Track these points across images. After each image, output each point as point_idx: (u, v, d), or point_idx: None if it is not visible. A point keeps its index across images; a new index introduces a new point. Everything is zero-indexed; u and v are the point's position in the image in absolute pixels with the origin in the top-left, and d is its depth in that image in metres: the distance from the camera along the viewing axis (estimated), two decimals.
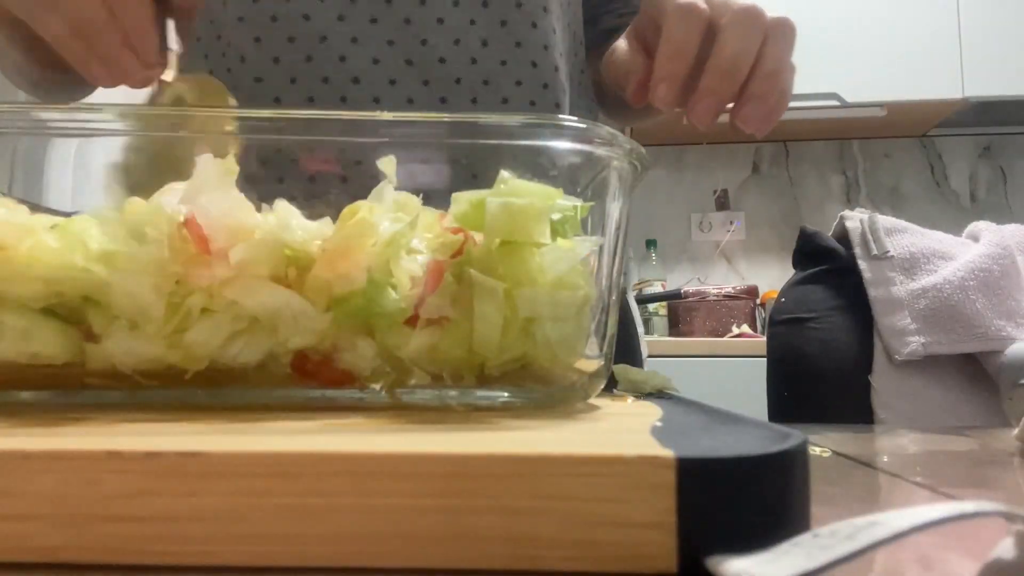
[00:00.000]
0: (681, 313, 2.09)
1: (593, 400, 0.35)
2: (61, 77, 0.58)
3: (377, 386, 0.30)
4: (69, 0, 0.44)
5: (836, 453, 0.38)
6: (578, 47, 0.70)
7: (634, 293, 2.25)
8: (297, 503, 0.18)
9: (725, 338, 1.98)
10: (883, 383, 0.80)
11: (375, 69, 0.60)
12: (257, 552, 0.18)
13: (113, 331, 0.28)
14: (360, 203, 0.30)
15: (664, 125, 2.26)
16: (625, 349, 0.74)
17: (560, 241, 0.30)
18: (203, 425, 0.24)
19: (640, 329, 0.82)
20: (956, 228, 0.92)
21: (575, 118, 0.30)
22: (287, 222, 0.29)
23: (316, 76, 0.60)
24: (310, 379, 0.30)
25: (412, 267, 0.29)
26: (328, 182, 0.32)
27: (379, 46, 0.60)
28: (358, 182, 0.31)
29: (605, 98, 0.74)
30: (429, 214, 0.31)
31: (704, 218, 2.48)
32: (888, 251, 0.82)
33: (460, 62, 0.61)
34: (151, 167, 0.31)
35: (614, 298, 0.33)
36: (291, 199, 0.31)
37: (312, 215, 0.30)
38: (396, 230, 0.29)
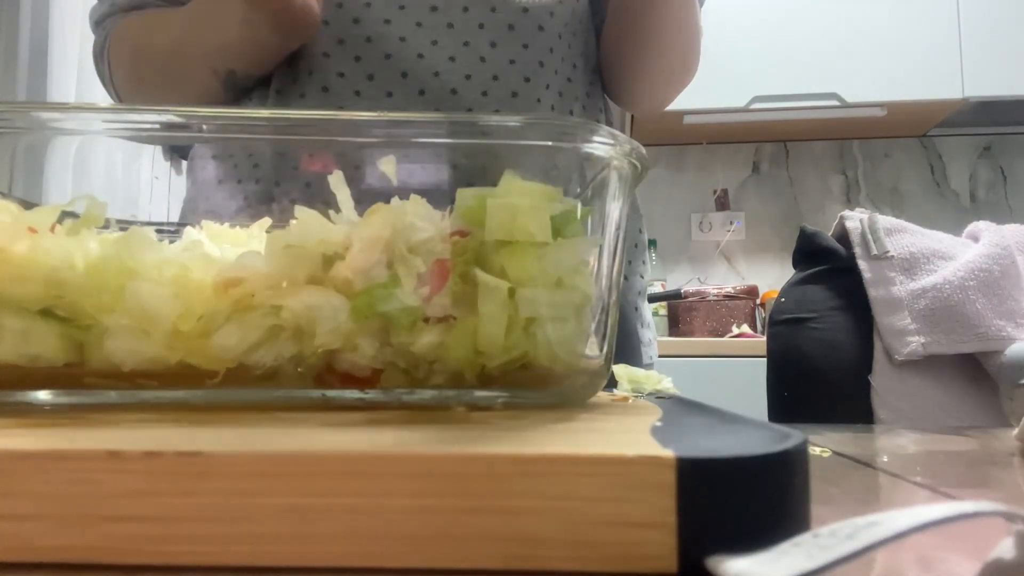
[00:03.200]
0: (681, 313, 2.10)
1: (593, 400, 0.35)
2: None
3: (389, 388, 0.30)
4: None
5: (836, 453, 0.38)
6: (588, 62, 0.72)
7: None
8: (297, 503, 0.18)
9: (725, 338, 1.98)
10: (883, 383, 0.80)
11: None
12: (257, 552, 0.18)
13: (115, 331, 0.28)
14: (381, 204, 0.30)
15: (664, 125, 2.27)
16: (626, 350, 0.74)
17: (560, 241, 0.30)
18: (203, 425, 0.24)
19: (652, 332, 0.82)
20: (956, 228, 0.92)
21: (575, 118, 0.30)
22: (315, 224, 0.30)
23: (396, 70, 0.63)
24: (343, 383, 0.30)
25: (417, 265, 0.29)
26: (326, 182, 0.32)
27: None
28: (358, 182, 0.31)
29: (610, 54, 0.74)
30: (432, 213, 0.31)
31: (704, 218, 2.48)
32: (888, 251, 0.82)
33: (457, 79, 0.63)
34: None
35: (614, 298, 0.33)
36: (290, 200, 0.31)
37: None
38: (425, 236, 0.29)
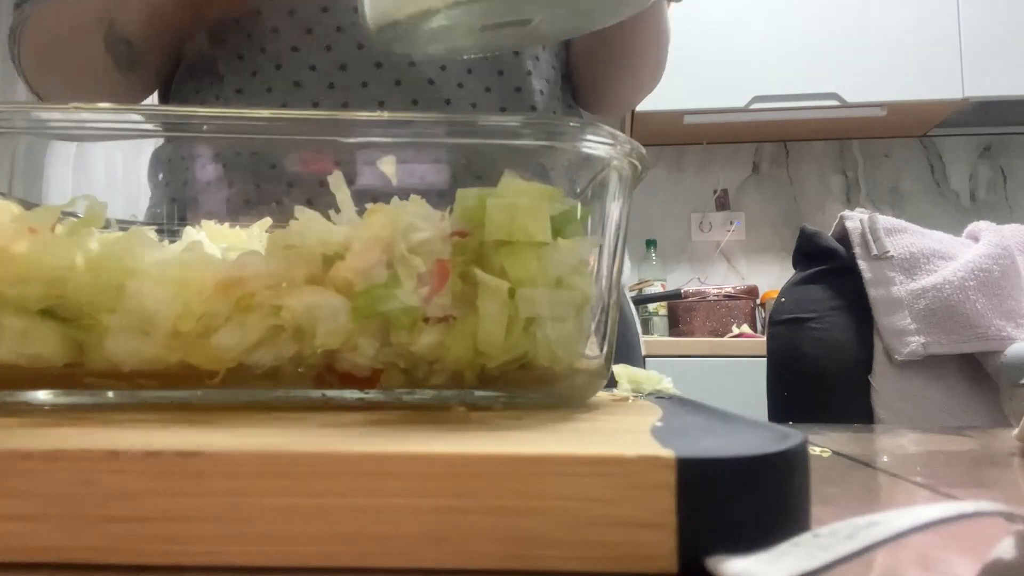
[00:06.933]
0: (681, 313, 2.10)
1: (593, 400, 0.35)
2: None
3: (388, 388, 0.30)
4: None
5: (836, 453, 0.38)
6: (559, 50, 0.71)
7: (632, 294, 2.25)
8: (297, 503, 0.18)
9: (725, 338, 1.98)
10: (883, 383, 0.80)
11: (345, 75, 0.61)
12: (257, 552, 0.18)
13: (115, 331, 0.28)
14: (381, 204, 0.30)
15: (664, 125, 2.26)
16: (625, 348, 0.74)
17: (560, 241, 0.30)
18: (203, 425, 0.24)
19: (638, 328, 0.82)
20: (956, 228, 0.92)
21: (575, 118, 0.30)
22: (315, 224, 0.30)
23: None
24: (343, 383, 0.30)
25: (417, 265, 0.29)
26: (324, 182, 0.32)
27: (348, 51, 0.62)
28: (357, 183, 0.31)
29: (581, 77, 0.74)
30: (432, 214, 0.31)
31: (704, 218, 2.48)
32: (888, 251, 0.82)
33: (432, 68, 0.62)
34: None
35: (614, 298, 0.33)
36: (290, 200, 0.31)
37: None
38: (425, 236, 0.29)
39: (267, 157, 0.33)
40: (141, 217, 0.35)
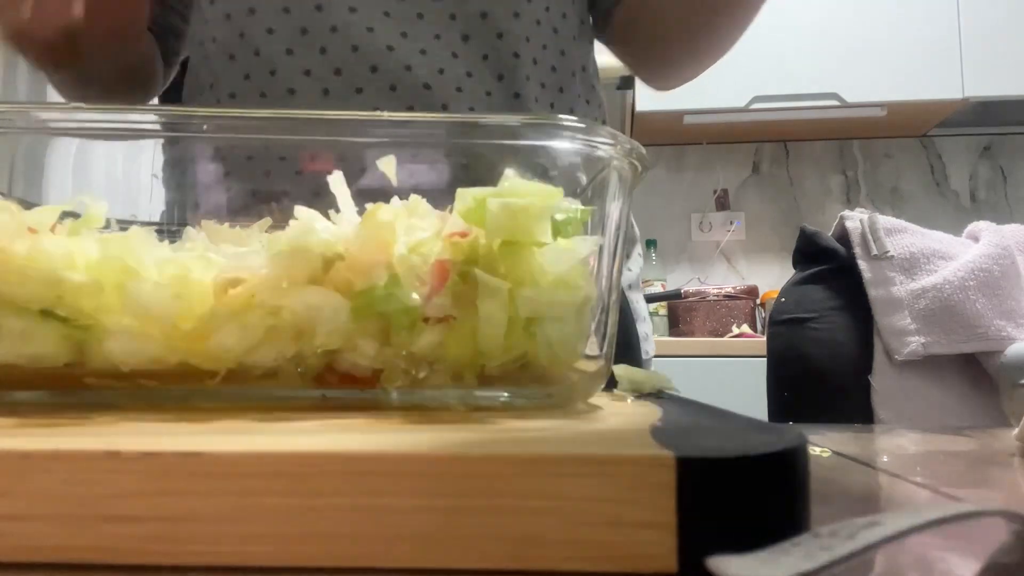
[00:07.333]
0: (681, 313, 2.10)
1: (593, 400, 0.35)
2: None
3: (389, 387, 0.30)
4: None
5: (836, 453, 0.38)
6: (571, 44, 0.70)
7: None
8: (297, 503, 0.18)
9: (725, 338, 1.98)
10: (883, 383, 0.80)
11: (339, 80, 0.60)
12: (257, 552, 0.18)
13: (115, 331, 0.28)
14: (381, 204, 0.30)
15: (664, 125, 2.27)
16: (625, 349, 0.74)
17: (560, 241, 0.30)
18: (203, 425, 0.24)
19: (648, 327, 0.81)
20: (956, 228, 0.92)
21: (575, 118, 0.30)
22: (315, 224, 0.30)
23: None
24: (343, 383, 0.30)
25: (417, 265, 0.29)
26: (324, 182, 0.32)
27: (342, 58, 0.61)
28: (357, 183, 0.31)
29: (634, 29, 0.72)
30: (432, 214, 0.31)
31: (704, 218, 2.48)
32: (888, 251, 0.82)
33: (429, 72, 0.61)
34: None
35: (614, 298, 0.33)
36: (290, 200, 0.31)
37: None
38: (425, 236, 0.29)
39: (267, 157, 0.33)
40: (142, 217, 0.35)
